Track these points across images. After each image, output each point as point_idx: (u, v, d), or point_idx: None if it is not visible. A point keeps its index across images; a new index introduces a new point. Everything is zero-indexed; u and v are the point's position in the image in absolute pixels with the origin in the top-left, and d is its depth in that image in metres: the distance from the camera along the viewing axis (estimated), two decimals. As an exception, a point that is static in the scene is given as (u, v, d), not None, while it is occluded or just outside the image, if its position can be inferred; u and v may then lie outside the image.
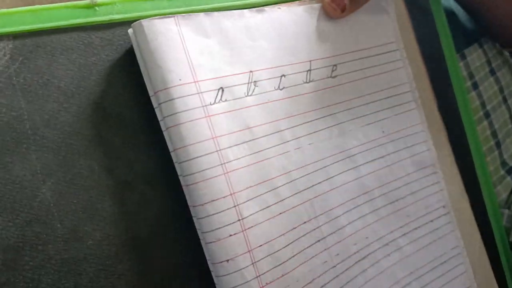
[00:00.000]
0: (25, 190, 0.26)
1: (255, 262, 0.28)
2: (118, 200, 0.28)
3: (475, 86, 0.49)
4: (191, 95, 0.28)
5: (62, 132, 0.27)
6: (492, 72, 0.50)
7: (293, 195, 0.31)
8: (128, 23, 0.29)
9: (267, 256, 0.29)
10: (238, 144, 0.29)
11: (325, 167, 0.33)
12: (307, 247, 0.31)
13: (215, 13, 0.30)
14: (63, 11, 0.28)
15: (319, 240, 0.32)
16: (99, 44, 0.29)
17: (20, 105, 0.26)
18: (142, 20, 0.27)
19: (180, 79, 0.28)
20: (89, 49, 0.29)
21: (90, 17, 0.29)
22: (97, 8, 0.29)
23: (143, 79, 0.29)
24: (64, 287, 0.26)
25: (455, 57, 0.45)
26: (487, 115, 0.49)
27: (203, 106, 0.28)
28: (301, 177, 0.32)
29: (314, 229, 0.32)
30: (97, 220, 0.27)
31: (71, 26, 0.28)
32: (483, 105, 0.49)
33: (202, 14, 0.29)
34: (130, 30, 0.28)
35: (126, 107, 0.29)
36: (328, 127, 0.34)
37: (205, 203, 0.28)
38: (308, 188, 0.32)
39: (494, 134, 0.48)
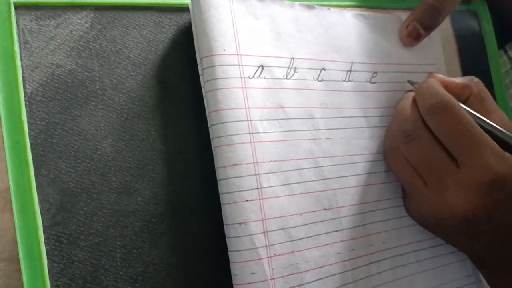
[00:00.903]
0: (88, 142, 0.28)
1: (266, 232, 0.30)
2: (169, 165, 0.30)
3: None
4: (232, 65, 0.30)
5: (127, 96, 0.30)
6: None
7: (318, 180, 0.32)
8: (196, 8, 0.32)
9: (279, 229, 0.30)
10: (269, 120, 0.31)
11: (353, 163, 0.34)
12: (323, 233, 0.32)
13: (267, 0, 0.33)
14: (141, -9, 0.31)
15: (337, 230, 0.33)
16: (167, 24, 0.32)
17: (94, 67, 0.29)
18: None
19: (224, 49, 0.30)
20: (159, 27, 0.32)
21: (163, 0, 0.32)
22: (170, -8, 0.32)
23: (203, 58, 0.31)
24: (110, 235, 0.28)
25: (501, 76, 0.46)
26: None
27: (241, 78, 0.30)
28: (328, 165, 0.33)
29: (334, 219, 0.33)
30: (147, 180, 0.30)
31: (146, 5, 0.32)
32: None
33: None
34: (189, 2, 0.31)
35: (185, 82, 0.32)
36: (361, 127, 0.35)
37: (227, 166, 0.29)
38: (334, 178, 0.33)
39: None
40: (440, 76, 0.34)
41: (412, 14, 0.38)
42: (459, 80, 0.35)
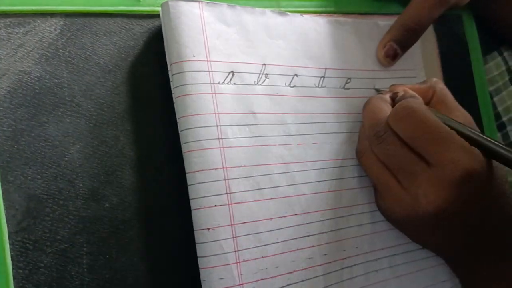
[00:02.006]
0: (55, 149, 0.29)
1: (235, 237, 0.30)
2: (138, 171, 0.30)
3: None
4: (202, 71, 0.30)
5: (96, 103, 0.30)
6: None
7: (289, 185, 0.32)
8: (167, 15, 0.32)
9: (249, 234, 0.30)
10: (240, 125, 0.31)
11: (326, 168, 0.34)
12: (294, 238, 0.32)
13: (238, 7, 0.33)
14: (111, -2, 0.32)
15: (308, 235, 0.32)
16: (139, 31, 0.32)
17: (63, 74, 0.30)
18: (169, 0, 0.30)
19: (194, 56, 0.30)
20: (129, 34, 0.32)
21: (134, 6, 0.32)
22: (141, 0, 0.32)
23: (174, 65, 0.31)
24: (77, 242, 0.28)
25: (486, 86, 0.46)
26: (501, 127, 0.48)
27: (211, 84, 0.31)
28: (299, 171, 0.33)
29: (306, 224, 0.33)
30: (115, 186, 0.30)
31: (117, 12, 0.32)
32: (497, 116, 0.48)
33: (225, 4, 0.32)
34: (159, 9, 0.31)
35: (155, 88, 0.32)
36: (334, 133, 0.35)
37: (196, 171, 0.29)
38: (306, 183, 0.33)
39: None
40: (404, 85, 0.35)
41: (389, 33, 0.39)
42: (422, 85, 0.36)
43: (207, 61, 0.31)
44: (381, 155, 0.33)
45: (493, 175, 0.31)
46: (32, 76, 0.29)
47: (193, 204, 0.30)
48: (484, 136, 0.31)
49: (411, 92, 0.35)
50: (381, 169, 0.33)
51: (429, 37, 0.43)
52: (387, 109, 0.34)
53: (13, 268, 0.26)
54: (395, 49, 0.38)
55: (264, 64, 0.33)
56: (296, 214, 0.33)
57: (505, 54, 0.49)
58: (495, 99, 0.48)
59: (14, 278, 0.26)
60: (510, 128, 0.48)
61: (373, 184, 0.36)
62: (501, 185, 0.32)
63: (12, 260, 0.26)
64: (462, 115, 0.35)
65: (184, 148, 0.30)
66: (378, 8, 0.41)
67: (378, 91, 0.37)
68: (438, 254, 0.36)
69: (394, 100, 0.35)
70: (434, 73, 0.43)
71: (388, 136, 0.32)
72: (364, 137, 0.35)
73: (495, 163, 0.32)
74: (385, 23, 0.39)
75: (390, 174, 0.33)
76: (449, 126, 0.31)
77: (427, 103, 0.35)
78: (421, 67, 0.42)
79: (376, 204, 0.36)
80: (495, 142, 0.31)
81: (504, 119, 0.48)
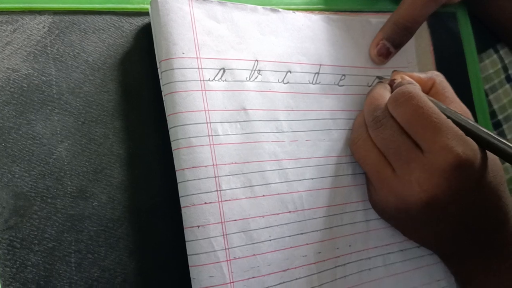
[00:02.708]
0: (43, 147, 0.28)
1: (226, 234, 0.29)
2: (127, 169, 0.30)
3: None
4: (191, 68, 0.30)
5: (85, 100, 0.30)
6: (509, 79, 0.48)
7: (282, 182, 0.32)
8: (156, 12, 0.32)
9: (240, 232, 0.30)
10: (230, 122, 0.31)
11: (320, 165, 0.34)
12: (287, 236, 0.32)
13: (229, 3, 0.33)
14: (100, -4, 0.31)
15: (302, 233, 0.32)
16: (128, 28, 0.32)
17: (51, 71, 0.29)
18: None
19: (183, 53, 0.30)
20: (119, 31, 0.32)
21: (123, 4, 0.32)
22: (131, -4, 0.32)
23: (163, 62, 0.31)
24: (65, 240, 0.28)
25: (481, 83, 0.46)
26: (497, 125, 0.48)
27: (201, 81, 0.30)
28: (292, 168, 0.33)
29: (299, 221, 0.32)
30: (104, 184, 0.29)
31: (105, 9, 0.32)
32: (493, 114, 0.48)
33: (216, 1, 0.32)
34: (149, 6, 0.31)
35: (145, 86, 0.32)
36: (328, 130, 0.35)
37: (186, 168, 0.29)
38: (299, 180, 0.33)
39: None
40: (404, 72, 0.35)
41: (382, 32, 0.38)
42: (422, 75, 0.36)
43: (197, 58, 0.31)
44: (378, 140, 0.33)
45: (488, 167, 0.31)
46: (20, 74, 0.29)
47: (183, 201, 0.29)
48: (480, 127, 0.31)
49: (408, 78, 0.35)
50: (377, 156, 0.33)
51: (423, 34, 0.43)
52: (387, 95, 0.34)
53: (0, 267, 0.26)
54: (388, 47, 0.38)
55: (257, 61, 0.33)
56: (289, 212, 0.32)
57: (501, 52, 0.49)
58: (490, 97, 0.48)
59: (1, 276, 0.26)
60: (506, 126, 0.47)
61: (366, 177, 0.36)
62: (495, 177, 0.32)
63: (-1, 258, 0.26)
64: (460, 108, 0.35)
65: (174, 145, 0.30)
66: (370, 5, 0.41)
67: (381, 78, 0.37)
68: (431, 249, 0.36)
69: (392, 87, 0.35)
70: (427, 71, 0.42)
71: (387, 121, 0.32)
72: (359, 125, 0.35)
73: (491, 156, 0.32)
74: (377, 20, 0.39)
75: (385, 162, 0.33)
76: (445, 115, 0.31)
77: (426, 93, 0.35)
78: (414, 64, 0.41)
79: (370, 199, 0.35)
80: (490, 133, 0.31)
81: (500, 117, 0.47)
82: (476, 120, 0.45)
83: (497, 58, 0.48)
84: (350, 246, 0.34)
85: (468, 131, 0.31)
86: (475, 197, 0.31)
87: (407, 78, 0.35)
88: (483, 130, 0.31)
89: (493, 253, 0.33)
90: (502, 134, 0.47)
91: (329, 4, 0.39)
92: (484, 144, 0.31)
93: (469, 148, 0.30)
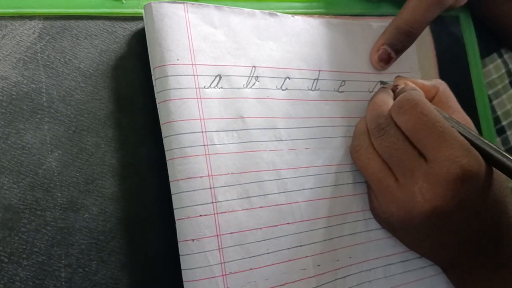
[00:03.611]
0: (33, 157, 0.27)
1: (222, 248, 0.28)
2: (119, 179, 0.29)
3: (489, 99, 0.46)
4: (186, 75, 0.29)
5: (76, 109, 0.29)
6: None
7: (280, 193, 0.31)
8: (150, 17, 0.31)
9: (236, 245, 0.29)
10: (227, 131, 0.30)
11: (319, 174, 0.33)
12: (286, 249, 0.30)
13: (225, 8, 0.32)
14: (93, 0, 0.31)
15: (301, 245, 0.31)
16: (121, 34, 0.31)
17: (41, 79, 0.28)
18: (152, 1, 0.29)
19: (178, 59, 0.29)
20: (112, 37, 0.31)
21: (116, 8, 0.31)
22: (124, 1, 0.31)
23: (157, 68, 0.30)
24: (55, 254, 0.27)
25: (484, 88, 0.45)
26: (501, 131, 0.47)
27: (196, 88, 0.29)
28: (291, 177, 0.32)
29: (298, 233, 0.31)
30: (96, 196, 0.28)
31: (98, 14, 0.31)
32: (497, 120, 0.47)
33: (212, 6, 0.31)
34: (143, 11, 0.30)
35: (138, 94, 0.31)
36: (329, 137, 0.34)
37: (180, 179, 0.28)
38: (298, 190, 0.32)
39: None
40: (407, 79, 0.34)
41: (383, 37, 0.37)
42: (426, 82, 0.35)
43: (192, 64, 0.30)
44: (381, 149, 0.32)
45: (492, 179, 0.30)
46: (9, 82, 0.28)
47: (177, 214, 0.28)
48: (485, 140, 0.30)
49: (412, 84, 0.34)
50: (379, 164, 0.32)
51: (425, 39, 0.42)
52: (390, 102, 0.33)
53: (-14, 283, 0.25)
54: (389, 53, 0.37)
55: (254, 67, 0.32)
56: (288, 223, 0.31)
57: (505, 56, 0.48)
58: (494, 102, 0.47)
59: (-13, 293, 0.25)
60: (510, 132, 0.46)
61: (367, 186, 0.35)
62: (500, 190, 0.31)
63: (-14, 274, 0.25)
64: (462, 118, 0.34)
65: (168, 155, 0.29)
66: (371, 9, 0.40)
67: (383, 83, 0.36)
68: (433, 260, 0.35)
69: (395, 93, 0.34)
70: (430, 76, 0.41)
71: (390, 128, 0.31)
72: (361, 132, 0.34)
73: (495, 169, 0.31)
74: (378, 24, 0.38)
75: (387, 170, 0.32)
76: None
77: (429, 101, 0.34)
78: (417, 70, 0.40)
79: (371, 209, 0.34)
80: (495, 147, 0.30)
81: (504, 123, 0.46)
82: (479, 126, 0.44)
83: (501, 63, 0.47)
84: (350, 257, 0.33)
85: (473, 144, 0.30)
86: (479, 208, 0.30)
87: (411, 84, 0.34)
88: (486, 142, 0.30)
89: (496, 265, 0.32)
90: (506, 140, 0.46)
91: (329, 8, 0.38)
92: (489, 160, 0.30)
93: (474, 159, 0.29)
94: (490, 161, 0.30)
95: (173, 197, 0.29)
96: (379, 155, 0.32)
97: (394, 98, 0.34)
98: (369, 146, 0.33)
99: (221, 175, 0.29)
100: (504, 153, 0.30)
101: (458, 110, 0.34)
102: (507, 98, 0.46)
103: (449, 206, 0.29)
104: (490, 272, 0.32)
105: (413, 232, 0.32)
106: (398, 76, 0.36)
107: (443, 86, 0.36)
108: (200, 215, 0.28)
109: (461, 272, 0.33)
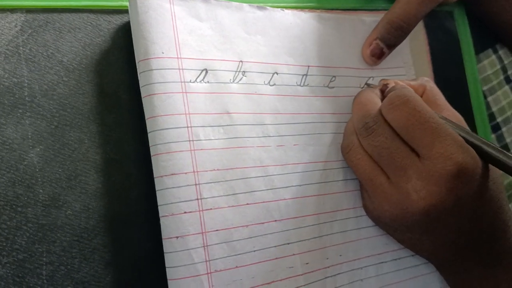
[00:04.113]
0: (13, 152, 0.27)
1: (207, 246, 0.28)
2: (103, 176, 0.29)
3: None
4: (171, 69, 0.29)
5: (58, 103, 0.28)
6: (508, 80, 0.46)
7: (267, 190, 0.30)
8: (136, 10, 0.30)
9: (222, 242, 0.28)
10: (213, 126, 0.29)
11: (308, 171, 0.32)
12: (273, 246, 0.30)
13: (213, 1, 0.31)
14: (76, -7, 0.30)
15: (288, 243, 0.31)
16: (106, 27, 0.31)
17: (23, 72, 0.28)
18: None
19: (162, 52, 0.28)
20: (96, 30, 0.30)
21: (101, 1, 0.30)
22: (109, -7, 0.31)
23: (142, 63, 0.30)
24: (36, 251, 0.26)
25: (479, 85, 0.44)
26: (496, 128, 0.46)
27: (181, 82, 0.29)
28: (279, 174, 0.31)
29: (285, 231, 0.31)
30: (79, 192, 0.28)
31: (82, 7, 0.30)
32: (492, 116, 0.46)
33: None
34: (127, 4, 0.30)
35: (122, 88, 0.30)
36: (318, 134, 0.33)
37: (165, 175, 0.28)
38: (286, 187, 0.31)
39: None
40: (395, 80, 0.34)
41: (375, 31, 0.37)
42: (412, 82, 0.35)
43: (178, 58, 0.29)
44: (370, 148, 0.31)
45: (487, 176, 0.30)
46: (-11, 75, 0.27)
47: (161, 210, 0.28)
48: (479, 137, 0.30)
49: (401, 83, 0.34)
50: (370, 164, 0.31)
51: (418, 34, 0.41)
52: (377, 101, 0.33)
53: (-36, 280, 0.25)
54: (381, 48, 0.37)
55: (241, 61, 0.31)
56: (275, 221, 0.31)
57: (500, 52, 0.47)
58: (489, 99, 0.46)
59: (-35, 291, 0.25)
60: (505, 129, 0.46)
61: (360, 184, 0.34)
62: (495, 188, 0.31)
63: (-36, 271, 0.25)
64: (453, 115, 0.33)
65: (152, 151, 0.28)
66: (364, 3, 0.39)
67: (369, 86, 0.35)
68: (428, 259, 0.34)
69: (383, 93, 0.34)
70: (423, 72, 0.41)
71: (379, 127, 0.31)
72: (351, 131, 0.33)
73: (492, 166, 0.30)
74: (371, 19, 0.38)
75: (379, 169, 0.31)
76: None
77: None
78: (410, 65, 0.40)
79: (364, 206, 0.34)
80: (487, 142, 0.30)
81: (499, 119, 0.46)
82: (474, 123, 0.43)
83: (496, 59, 0.46)
84: (341, 255, 0.33)
85: (466, 142, 0.29)
86: (475, 205, 0.30)
87: (401, 83, 0.33)
88: (479, 138, 0.30)
89: (492, 262, 0.32)
90: (501, 137, 0.46)
91: (320, 2, 0.37)
92: (484, 156, 0.30)
93: (469, 155, 0.28)
94: (486, 157, 0.30)
95: (158, 194, 0.28)
96: (368, 155, 0.32)
97: (382, 98, 0.33)
98: (359, 146, 0.32)
99: (206, 171, 0.29)
100: (499, 148, 0.29)
101: (447, 107, 0.34)
102: (502, 95, 0.46)
103: (445, 204, 0.29)
104: (484, 269, 0.32)
105: (407, 230, 0.32)
106: (383, 79, 0.35)
107: (429, 84, 0.35)
108: (185, 212, 0.28)
109: (455, 270, 0.33)
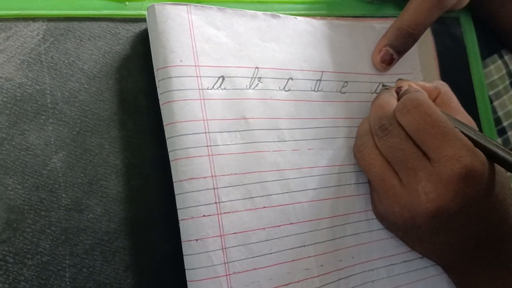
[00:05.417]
0: (37, 158, 0.28)
1: (225, 248, 0.28)
2: (123, 180, 0.29)
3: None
4: (189, 76, 0.29)
5: (80, 110, 0.29)
6: None
7: (283, 193, 0.31)
8: (154, 18, 0.31)
9: (240, 245, 0.29)
10: (230, 131, 0.30)
11: (322, 175, 0.33)
12: (289, 249, 0.31)
13: (228, 9, 0.32)
14: (96, 2, 0.31)
15: (304, 246, 0.31)
16: (125, 35, 0.31)
17: (45, 80, 0.29)
18: (155, 3, 0.29)
19: (181, 60, 0.29)
20: (115, 38, 0.31)
21: (120, 10, 0.31)
22: (127, 3, 0.31)
23: (161, 70, 0.30)
24: (60, 254, 0.27)
25: (485, 89, 0.45)
26: (502, 132, 0.47)
27: (199, 89, 0.30)
28: (294, 178, 0.32)
29: (301, 233, 0.31)
30: (100, 196, 0.29)
31: (102, 16, 0.31)
32: (498, 121, 0.47)
33: (215, 7, 0.31)
34: (146, 13, 0.30)
35: (142, 94, 0.31)
36: (331, 138, 0.34)
37: (184, 180, 0.28)
38: (301, 190, 0.32)
39: None
40: (410, 81, 0.34)
41: (384, 38, 0.38)
42: (428, 84, 0.35)
43: (195, 66, 0.30)
44: (384, 149, 0.32)
45: (496, 180, 0.30)
46: (13, 83, 0.28)
47: (181, 214, 0.29)
48: (487, 138, 0.31)
49: (415, 86, 0.34)
50: (383, 164, 0.32)
51: (426, 40, 0.42)
52: (394, 102, 0.33)
53: (-9, 283, 0.25)
54: (391, 54, 0.37)
55: (257, 68, 0.32)
56: (291, 224, 0.31)
57: (506, 57, 0.48)
58: (495, 103, 0.47)
59: (-8, 293, 0.25)
60: (511, 133, 0.46)
61: (370, 186, 0.35)
62: (502, 190, 0.31)
63: (-9, 274, 0.25)
64: (466, 119, 0.34)
65: (171, 156, 0.29)
66: (374, 11, 0.40)
67: (385, 86, 0.36)
68: (434, 260, 0.35)
69: (398, 94, 0.35)
70: (431, 77, 0.41)
71: (394, 128, 0.31)
72: (364, 132, 0.34)
73: (498, 168, 0.31)
74: (381, 26, 0.38)
75: (391, 170, 0.32)
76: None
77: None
78: (418, 71, 0.40)
79: (373, 209, 0.34)
80: (499, 145, 0.30)
81: (505, 124, 0.47)
82: (480, 127, 0.44)
83: (501, 64, 0.47)
84: (353, 257, 0.33)
85: (474, 142, 0.30)
86: (482, 208, 0.30)
87: (414, 85, 0.34)
88: (491, 141, 0.30)
89: (499, 264, 0.32)
90: (507, 141, 0.46)
91: (331, 10, 0.38)
92: (491, 156, 0.30)
93: (478, 159, 0.29)
94: (497, 160, 0.30)
95: (177, 198, 0.29)
96: (382, 155, 0.32)
97: (398, 100, 0.34)
98: (373, 146, 0.33)
99: (224, 175, 0.29)
100: (508, 150, 0.30)
101: (460, 111, 0.35)
102: (508, 99, 0.47)
103: (453, 206, 0.29)
104: (492, 271, 0.32)
105: (415, 231, 0.32)
106: (400, 79, 0.36)
107: (444, 87, 0.36)
108: (204, 215, 0.28)
109: (462, 272, 0.33)
